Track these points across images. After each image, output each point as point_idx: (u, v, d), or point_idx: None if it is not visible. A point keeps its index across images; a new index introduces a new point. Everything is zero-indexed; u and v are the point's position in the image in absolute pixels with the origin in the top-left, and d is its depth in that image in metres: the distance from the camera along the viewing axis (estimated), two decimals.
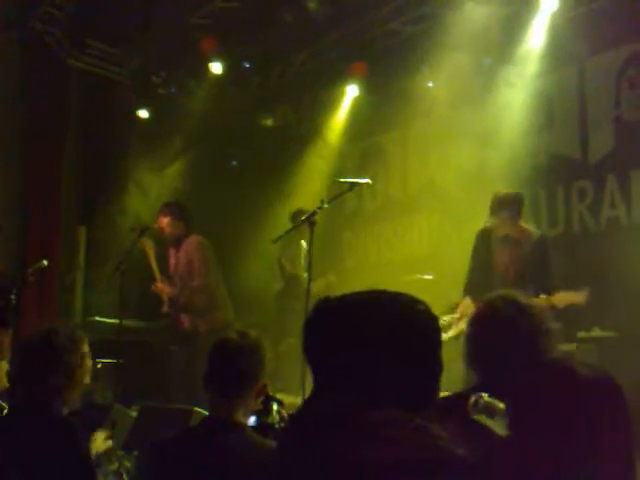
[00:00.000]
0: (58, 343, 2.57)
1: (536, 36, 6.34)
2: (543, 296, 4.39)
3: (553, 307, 4.48)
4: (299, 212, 6.41)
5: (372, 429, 1.19)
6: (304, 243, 6.84)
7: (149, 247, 5.64)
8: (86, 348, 2.73)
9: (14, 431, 2.44)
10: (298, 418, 1.39)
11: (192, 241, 5.78)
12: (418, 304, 1.38)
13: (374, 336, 1.30)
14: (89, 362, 2.72)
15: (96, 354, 3.20)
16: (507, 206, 4.78)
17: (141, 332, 6.77)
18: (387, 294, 1.39)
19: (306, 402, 1.37)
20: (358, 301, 1.38)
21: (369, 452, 1.16)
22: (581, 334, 5.35)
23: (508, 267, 4.83)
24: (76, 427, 2.50)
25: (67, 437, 2.43)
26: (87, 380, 2.72)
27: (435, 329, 1.37)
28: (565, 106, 6.51)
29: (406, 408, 1.23)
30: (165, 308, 5.80)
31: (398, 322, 1.33)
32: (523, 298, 2.42)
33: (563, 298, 4.44)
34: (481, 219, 5.06)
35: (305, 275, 6.16)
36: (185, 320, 5.74)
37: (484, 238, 5.02)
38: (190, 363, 5.58)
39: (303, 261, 6.93)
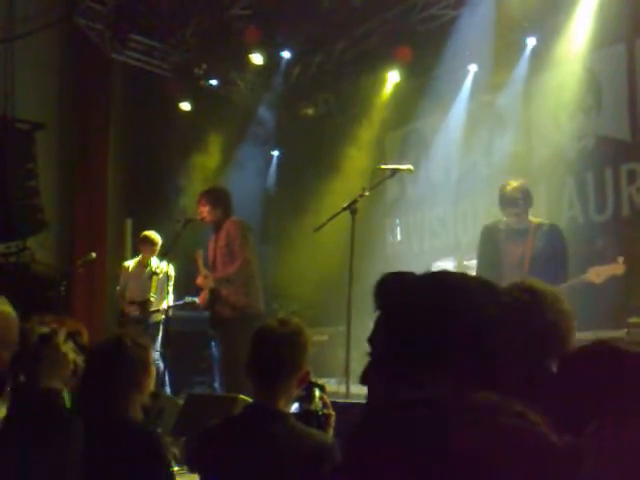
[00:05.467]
0: (128, 350, 2.46)
1: (582, 15, 6.18)
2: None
3: (590, 285, 4.40)
4: (144, 238, 6.63)
5: (476, 414, 1.15)
6: (153, 263, 6.52)
7: (199, 256, 5.68)
8: (152, 355, 2.64)
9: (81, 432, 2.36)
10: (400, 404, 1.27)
11: (232, 221, 5.74)
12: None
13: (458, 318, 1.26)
14: (154, 370, 2.61)
15: None
16: (515, 201, 4.72)
17: (186, 322, 6.87)
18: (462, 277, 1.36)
19: (389, 388, 1.31)
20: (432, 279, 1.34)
21: (475, 439, 1.12)
22: (632, 319, 5.20)
23: (523, 260, 4.73)
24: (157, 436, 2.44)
25: (147, 446, 2.33)
26: (152, 386, 2.61)
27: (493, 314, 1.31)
28: (614, 87, 6.31)
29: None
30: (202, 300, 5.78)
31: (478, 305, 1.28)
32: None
33: (600, 272, 4.36)
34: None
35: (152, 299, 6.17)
36: (224, 310, 5.70)
37: (490, 234, 4.94)
38: (225, 350, 5.58)
39: (153, 284, 6.22)
